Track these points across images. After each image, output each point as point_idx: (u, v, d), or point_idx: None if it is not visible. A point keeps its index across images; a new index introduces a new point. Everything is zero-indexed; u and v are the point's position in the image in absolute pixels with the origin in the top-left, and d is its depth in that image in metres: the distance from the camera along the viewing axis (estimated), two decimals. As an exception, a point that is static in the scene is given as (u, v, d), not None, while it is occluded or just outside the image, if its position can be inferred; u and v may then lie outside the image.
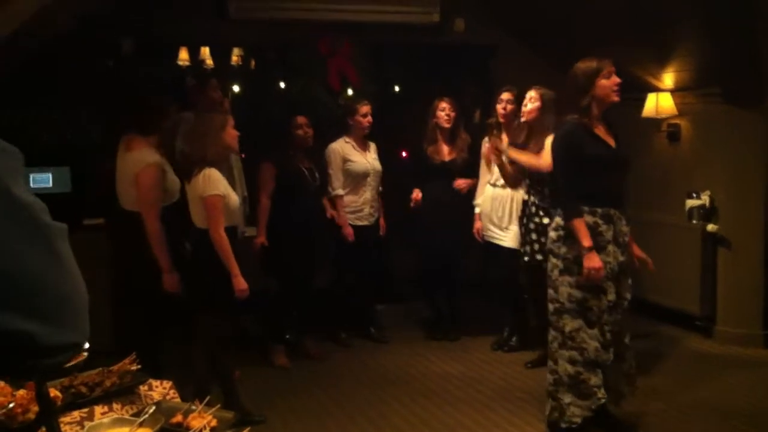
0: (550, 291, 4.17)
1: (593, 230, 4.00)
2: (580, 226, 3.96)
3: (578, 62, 4.14)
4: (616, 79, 4.05)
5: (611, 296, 4.02)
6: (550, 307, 4.18)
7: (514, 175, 5.59)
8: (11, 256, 0.71)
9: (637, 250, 4.31)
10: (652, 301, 6.56)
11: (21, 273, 0.72)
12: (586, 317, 4.04)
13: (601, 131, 4.12)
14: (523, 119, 5.43)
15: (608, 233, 4.03)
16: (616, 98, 4.07)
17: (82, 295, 0.78)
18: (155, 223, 4.49)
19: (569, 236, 4.05)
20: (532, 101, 5.35)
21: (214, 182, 4.23)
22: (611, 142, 4.12)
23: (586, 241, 3.93)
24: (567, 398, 4.12)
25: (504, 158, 5.61)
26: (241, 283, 4.26)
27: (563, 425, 4.14)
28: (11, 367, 0.83)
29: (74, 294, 0.77)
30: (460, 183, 6.13)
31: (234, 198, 4.37)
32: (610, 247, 4.03)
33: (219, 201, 4.22)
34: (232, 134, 4.40)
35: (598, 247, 3.98)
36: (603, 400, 4.10)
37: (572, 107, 4.13)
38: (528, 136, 5.38)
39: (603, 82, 4.04)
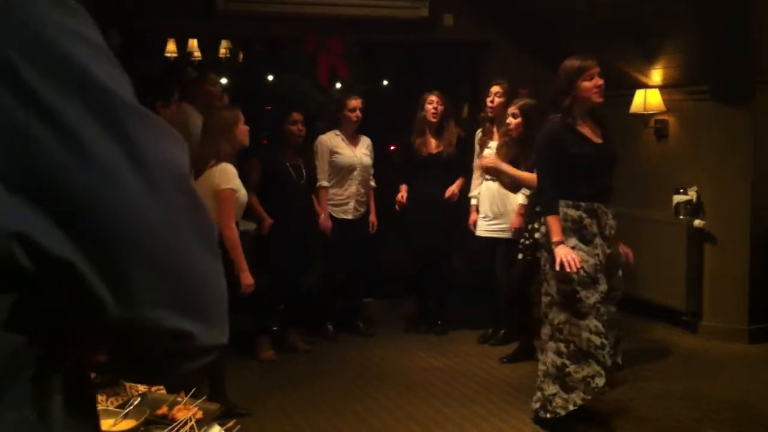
0: (544, 284, 4.20)
1: (578, 224, 4.05)
2: (553, 222, 4.03)
3: (564, 60, 4.15)
4: (597, 81, 4.04)
5: (603, 287, 4.04)
6: (544, 300, 4.21)
7: (512, 183, 5.41)
8: (182, 250, 0.69)
9: (620, 245, 4.32)
10: (638, 296, 6.58)
11: (191, 267, 0.70)
12: (575, 309, 4.04)
13: (585, 129, 4.14)
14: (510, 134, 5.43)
15: (593, 227, 4.07)
16: (597, 99, 4.08)
17: (226, 294, 0.76)
18: None
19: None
20: (513, 116, 5.35)
21: (230, 176, 4.26)
22: (597, 140, 4.14)
23: (556, 237, 3.99)
24: (551, 389, 4.12)
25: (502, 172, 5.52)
26: (248, 278, 4.31)
27: (548, 415, 4.14)
28: (156, 371, 0.80)
29: (225, 292, 0.75)
30: (452, 193, 6.12)
31: (243, 193, 4.40)
32: (597, 240, 4.07)
33: (233, 195, 4.25)
34: (243, 130, 4.42)
35: (585, 240, 4.04)
36: (596, 390, 4.06)
37: (555, 106, 4.16)
38: (518, 151, 5.33)
39: (585, 84, 4.05)
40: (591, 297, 4.02)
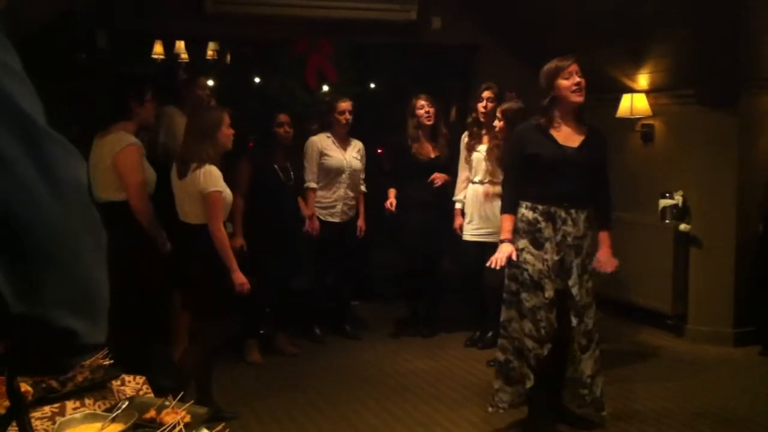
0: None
1: (533, 226, 4.07)
2: (506, 221, 4.14)
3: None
4: (575, 79, 4.01)
5: (548, 293, 4.05)
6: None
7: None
8: (82, 258, 0.78)
9: (603, 251, 4.27)
10: (624, 299, 6.61)
11: (84, 273, 0.78)
12: (519, 309, 4.12)
13: (559, 131, 4.09)
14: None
15: (547, 230, 4.05)
16: (576, 98, 4.03)
17: (109, 298, 0.84)
18: (147, 205, 4.44)
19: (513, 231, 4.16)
20: (497, 119, 5.39)
21: (215, 178, 4.24)
22: (570, 144, 4.09)
23: (504, 235, 4.11)
24: (496, 384, 4.23)
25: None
26: (240, 278, 4.29)
27: (490, 409, 4.26)
28: (42, 365, 0.89)
29: (108, 297, 0.83)
30: (437, 177, 6.11)
31: (229, 194, 4.38)
32: (548, 245, 4.05)
33: (220, 197, 4.24)
34: (226, 133, 4.36)
35: (536, 243, 4.07)
36: (529, 386, 4.12)
37: (538, 109, 4.19)
38: (501, 155, 5.38)
39: (562, 82, 4.03)
40: (530, 300, 4.06)
